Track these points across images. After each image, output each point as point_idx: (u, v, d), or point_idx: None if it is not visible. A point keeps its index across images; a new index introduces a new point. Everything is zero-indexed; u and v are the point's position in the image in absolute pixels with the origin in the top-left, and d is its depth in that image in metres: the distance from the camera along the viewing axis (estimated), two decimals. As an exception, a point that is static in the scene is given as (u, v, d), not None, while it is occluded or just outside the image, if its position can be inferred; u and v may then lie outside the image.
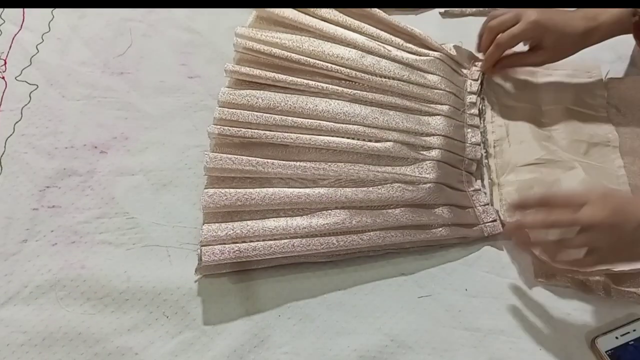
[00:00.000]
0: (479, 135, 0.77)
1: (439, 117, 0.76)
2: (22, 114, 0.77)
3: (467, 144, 0.76)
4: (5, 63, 0.81)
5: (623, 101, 0.80)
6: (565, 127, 0.78)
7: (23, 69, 0.81)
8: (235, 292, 0.65)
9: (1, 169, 0.72)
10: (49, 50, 0.83)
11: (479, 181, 0.75)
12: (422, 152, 0.73)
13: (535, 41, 0.76)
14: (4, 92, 0.79)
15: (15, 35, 0.84)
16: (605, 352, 0.61)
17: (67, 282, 0.64)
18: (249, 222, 0.66)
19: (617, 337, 0.61)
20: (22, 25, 0.86)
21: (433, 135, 0.74)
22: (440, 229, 0.69)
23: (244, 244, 0.64)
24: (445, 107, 0.77)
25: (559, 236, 0.60)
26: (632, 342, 0.61)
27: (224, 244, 0.64)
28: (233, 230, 0.64)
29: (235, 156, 0.68)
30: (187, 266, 0.66)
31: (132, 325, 0.62)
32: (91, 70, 0.82)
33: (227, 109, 0.71)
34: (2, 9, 0.87)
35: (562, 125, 0.78)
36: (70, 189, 0.71)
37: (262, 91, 0.74)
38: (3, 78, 0.80)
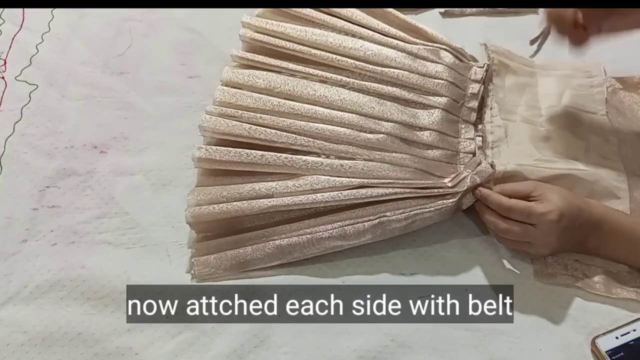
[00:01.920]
0: (473, 131, 0.77)
1: (435, 110, 0.76)
2: (22, 113, 0.77)
3: (461, 139, 0.76)
4: (5, 63, 0.81)
5: (622, 101, 0.80)
6: (564, 127, 0.78)
7: (23, 68, 0.81)
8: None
9: (1, 169, 0.72)
10: (49, 50, 0.83)
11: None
12: (415, 147, 0.73)
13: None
14: (3, 92, 0.79)
15: (15, 35, 0.84)
16: (606, 352, 0.61)
17: (67, 282, 0.64)
18: (235, 186, 0.68)
19: (617, 337, 0.61)
20: (22, 25, 0.86)
21: (427, 129, 0.74)
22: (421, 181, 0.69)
23: (230, 203, 0.66)
24: (443, 100, 0.76)
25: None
26: (632, 342, 0.61)
27: (212, 204, 0.66)
28: (220, 192, 0.67)
29: (230, 120, 0.70)
30: (187, 266, 0.66)
31: (132, 325, 0.62)
32: (91, 70, 0.82)
33: (228, 89, 0.73)
34: (2, 9, 0.87)
35: (561, 126, 0.78)
36: (70, 189, 0.71)
37: (264, 71, 0.76)
38: (3, 78, 0.80)
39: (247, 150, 0.69)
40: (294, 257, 0.66)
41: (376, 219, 0.66)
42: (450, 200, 0.66)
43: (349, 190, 0.67)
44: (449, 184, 0.68)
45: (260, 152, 0.68)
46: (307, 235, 0.66)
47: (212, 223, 0.67)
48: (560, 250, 0.66)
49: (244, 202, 0.66)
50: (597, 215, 0.65)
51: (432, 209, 0.66)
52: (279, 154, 0.69)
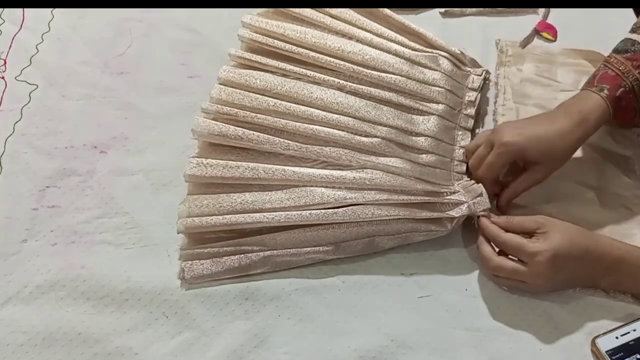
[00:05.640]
0: (469, 137, 0.77)
1: (431, 116, 0.76)
2: (22, 113, 0.77)
3: (456, 147, 0.76)
4: (5, 63, 0.82)
5: None
6: None
7: (23, 68, 0.81)
8: (235, 292, 0.65)
9: (1, 169, 0.72)
10: (49, 50, 0.83)
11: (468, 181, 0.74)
12: (409, 151, 0.73)
13: (522, 160, 0.68)
14: (3, 92, 0.79)
15: (15, 35, 0.84)
16: (606, 352, 0.61)
17: (66, 282, 0.64)
18: (226, 195, 0.67)
19: (617, 337, 0.61)
20: (22, 25, 0.86)
21: (422, 135, 0.74)
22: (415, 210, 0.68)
23: (222, 216, 0.65)
24: (440, 107, 0.76)
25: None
26: (632, 342, 0.61)
27: (201, 216, 0.66)
28: (213, 204, 0.67)
29: (224, 124, 0.70)
30: (187, 266, 0.66)
31: (132, 326, 0.62)
32: (91, 70, 0.82)
33: (225, 87, 0.73)
34: (2, 9, 0.87)
35: None
36: (70, 189, 0.71)
37: (261, 72, 0.76)
38: (3, 78, 0.80)
39: (238, 163, 0.68)
40: (284, 268, 0.66)
41: (367, 238, 0.66)
42: (442, 229, 0.67)
43: (341, 209, 0.66)
44: (448, 202, 0.67)
45: (252, 165, 0.68)
46: (302, 249, 0.66)
47: (204, 233, 0.67)
48: (562, 287, 0.65)
49: (237, 215, 0.66)
50: (613, 257, 0.62)
51: (424, 232, 0.67)
52: (270, 166, 0.68)
